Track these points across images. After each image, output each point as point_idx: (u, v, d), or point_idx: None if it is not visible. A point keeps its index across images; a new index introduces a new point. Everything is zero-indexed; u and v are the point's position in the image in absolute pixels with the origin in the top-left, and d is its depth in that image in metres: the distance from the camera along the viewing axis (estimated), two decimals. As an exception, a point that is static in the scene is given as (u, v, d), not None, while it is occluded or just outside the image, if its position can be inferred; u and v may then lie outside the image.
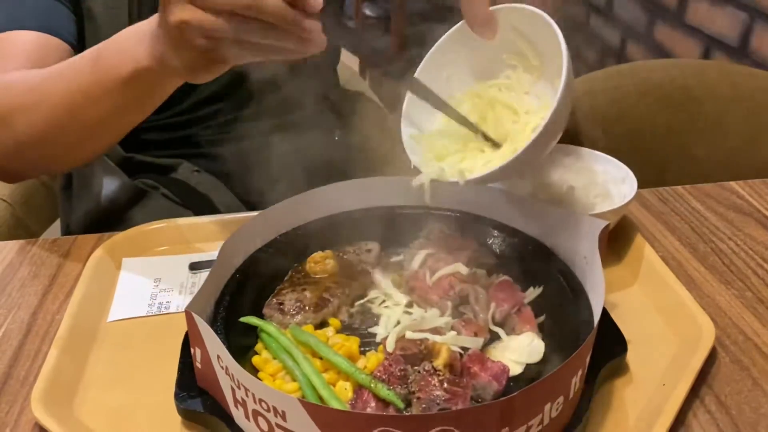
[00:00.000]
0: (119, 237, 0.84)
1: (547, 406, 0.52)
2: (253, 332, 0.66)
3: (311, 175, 0.86)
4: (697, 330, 0.67)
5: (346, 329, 0.69)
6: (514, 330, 0.67)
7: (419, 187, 0.71)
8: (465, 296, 0.69)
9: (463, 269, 0.72)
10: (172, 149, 1.03)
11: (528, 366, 0.63)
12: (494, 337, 0.67)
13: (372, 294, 0.72)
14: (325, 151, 1.08)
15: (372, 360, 0.63)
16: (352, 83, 1.30)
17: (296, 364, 0.60)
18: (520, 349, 0.64)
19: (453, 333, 0.66)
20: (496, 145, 0.71)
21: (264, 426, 0.53)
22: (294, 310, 0.68)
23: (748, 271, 0.79)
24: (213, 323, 0.63)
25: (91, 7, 0.91)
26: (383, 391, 0.57)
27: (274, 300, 0.69)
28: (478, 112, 0.74)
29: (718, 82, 1.29)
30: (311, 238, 0.76)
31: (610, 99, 1.29)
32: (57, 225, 1.18)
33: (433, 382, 0.57)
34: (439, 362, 0.60)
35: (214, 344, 0.54)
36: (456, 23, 0.74)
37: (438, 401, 0.56)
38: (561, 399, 0.53)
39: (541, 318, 0.68)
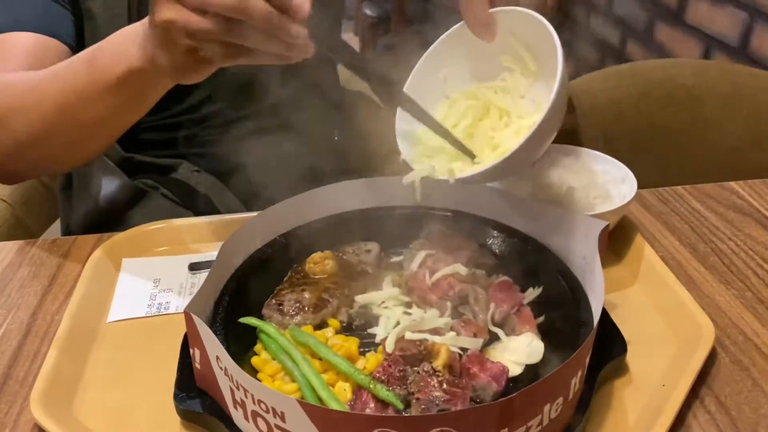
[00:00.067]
0: (119, 237, 0.84)
1: (547, 407, 0.52)
2: (253, 333, 0.65)
3: (311, 175, 0.86)
4: (697, 330, 0.67)
5: (345, 330, 0.69)
6: (513, 330, 0.67)
7: (410, 185, 0.72)
8: (464, 297, 0.69)
9: (463, 270, 0.72)
10: (172, 149, 1.03)
11: (527, 367, 0.63)
12: (494, 338, 0.66)
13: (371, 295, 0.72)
14: (325, 151, 1.08)
15: (371, 361, 0.63)
16: (352, 83, 1.30)
17: (295, 364, 0.60)
18: (520, 350, 0.64)
19: (452, 334, 0.66)
20: (472, 157, 0.72)
21: (263, 427, 0.53)
22: (293, 310, 0.68)
23: (748, 272, 0.79)
24: (212, 324, 0.63)
25: (90, 8, 0.91)
26: (382, 391, 0.57)
27: (274, 300, 0.69)
28: (473, 113, 0.75)
29: (718, 82, 1.29)
30: (311, 238, 0.76)
31: (610, 99, 1.29)
32: (57, 225, 1.18)
33: (432, 382, 0.57)
34: (439, 363, 0.59)
35: (213, 345, 0.54)
36: (454, 24, 0.74)
37: (437, 402, 0.56)
38: (560, 400, 0.53)
39: (541, 318, 0.68)
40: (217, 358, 0.54)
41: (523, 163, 0.73)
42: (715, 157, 1.29)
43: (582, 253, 0.67)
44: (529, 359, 0.63)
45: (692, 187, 0.96)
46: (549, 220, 0.72)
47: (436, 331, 0.65)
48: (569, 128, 1.27)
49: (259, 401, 0.51)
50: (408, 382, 0.58)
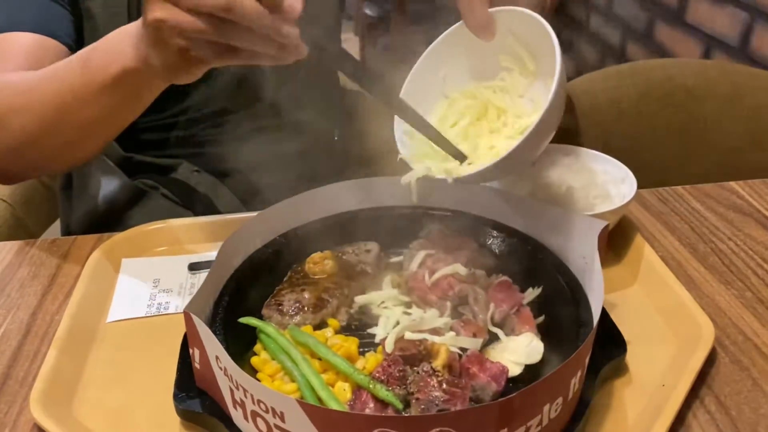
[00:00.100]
0: (118, 237, 0.84)
1: (546, 407, 0.52)
2: (252, 333, 0.65)
3: (311, 175, 0.86)
4: (697, 330, 0.67)
5: (345, 330, 0.69)
6: (513, 331, 0.67)
7: (407, 185, 0.72)
8: (464, 297, 0.69)
9: (462, 270, 0.72)
10: (172, 149, 1.03)
11: (527, 367, 0.63)
12: (493, 338, 0.66)
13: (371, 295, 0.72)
14: (325, 151, 1.08)
15: (371, 361, 0.63)
16: (352, 83, 1.30)
17: (295, 364, 0.60)
18: (519, 350, 0.64)
19: (452, 334, 0.66)
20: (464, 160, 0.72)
21: (263, 427, 0.53)
22: (293, 310, 0.68)
23: (747, 272, 0.79)
24: (212, 324, 0.63)
25: (89, 8, 0.91)
26: (382, 391, 0.56)
27: (273, 300, 0.69)
28: (472, 113, 0.75)
29: (718, 81, 1.29)
30: (310, 238, 0.76)
31: (610, 99, 1.29)
32: (57, 225, 1.18)
33: (431, 382, 0.57)
34: (438, 363, 0.59)
35: (212, 345, 0.54)
36: (453, 24, 0.74)
37: (437, 402, 0.56)
38: (560, 400, 0.53)
39: (540, 318, 0.68)
40: (217, 358, 0.54)
41: (522, 162, 0.73)
42: (715, 157, 1.29)
43: (582, 253, 0.67)
44: (529, 359, 0.63)
45: (692, 187, 0.96)
46: (549, 220, 0.72)
47: (435, 331, 0.65)
48: (569, 128, 1.27)
49: (259, 401, 0.51)
50: (407, 382, 0.58)
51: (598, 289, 0.59)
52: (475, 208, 0.78)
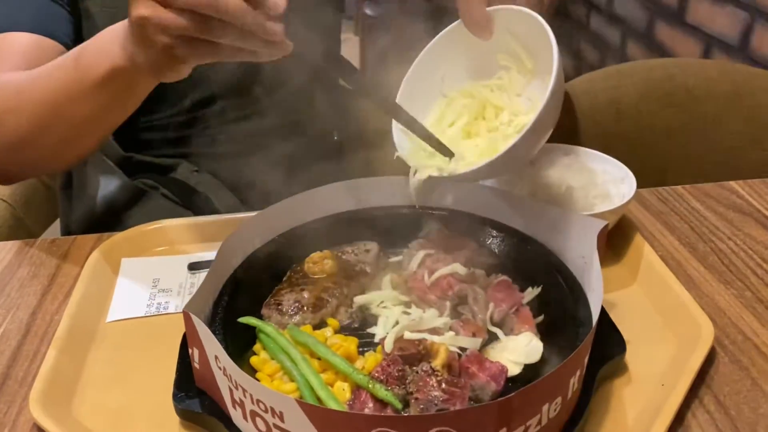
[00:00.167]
0: (118, 237, 0.84)
1: (545, 407, 0.52)
2: (252, 333, 0.65)
3: (310, 174, 0.86)
4: (696, 330, 0.67)
5: (344, 329, 0.69)
6: (512, 330, 0.67)
7: (409, 185, 0.72)
8: (463, 296, 0.69)
9: (461, 269, 0.72)
10: (172, 149, 1.03)
11: (526, 366, 0.63)
12: (492, 338, 0.66)
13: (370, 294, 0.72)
14: (325, 151, 1.08)
15: (370, 360, 0.62)
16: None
17: (294, 364, 0.60)
18: (519, 350, 0.64)
19: (451, 333, 0.66)
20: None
21: (262, 426, 0.53)
22: (292, 310, 0.68)
23: (747, 271, 0.79)
24: (211, 324, 0.63)
25: (88, 8, 0.91)
26: (381, 391, 0.56)
27: (273, 300, 0.69)
28: (470, 111, 0.75)
29: (718, 81, 1.29)
30: (310, 238, 0.76)
31: (609, 99, 1.29)
32: (57, 225, 1.18)
33: (431, 382, 0.57)
34: (438, 363, 0.59)
35: (211, 345, 0.54)
36: (451, 23, 0.74)
37: (436, 402, 0.56)
38: (559, 399, 0.53)
39: (540, 318, 0.68)
40: (216, 357, 0.54)
41: (520, 160, 0.73)
42: (714, 157, 1.29)
43: (581, 253, 0.67)
44: (528, 359, 0.63)
45: (692, 187, 0.96)
46: (548, 220, 0.72)
47: (435, 331, 0.65)
48: (569, 128, 1.27)
49: (258, 401, 0.51)
50: (407, 381, 0.58)
51: (598, 289, 0.59)
52: (475, 207, 0.78)
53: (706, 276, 0.78)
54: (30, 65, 0.82)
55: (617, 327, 0.66)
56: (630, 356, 0.64)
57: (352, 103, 1.20)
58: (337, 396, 0.57)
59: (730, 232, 0.86)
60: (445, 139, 0.72)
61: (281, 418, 0.51)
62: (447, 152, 0.71)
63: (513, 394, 0.49)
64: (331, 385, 0.59)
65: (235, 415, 0.56)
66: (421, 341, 0.63)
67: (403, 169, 0.73)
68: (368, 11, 3.19)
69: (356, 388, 0.58)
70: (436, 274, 0.71)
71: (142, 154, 1.02)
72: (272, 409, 0.51)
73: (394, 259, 0.77)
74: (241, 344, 0.64)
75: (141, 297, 0.77)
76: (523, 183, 0.84)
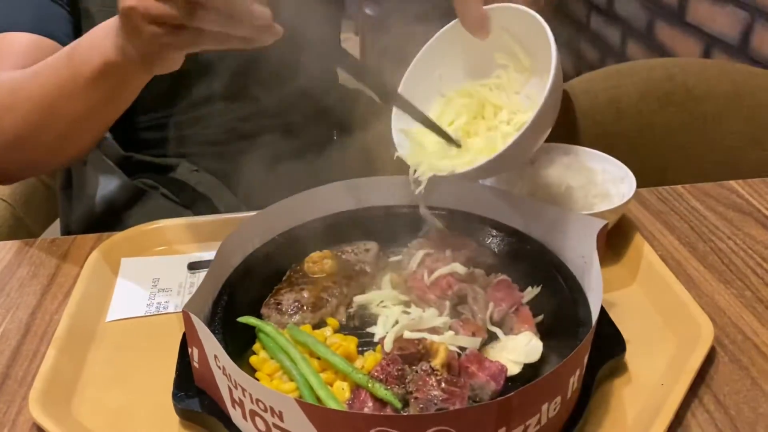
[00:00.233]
0: (118, 237, 0.84)
1: (545, 406, 0.52)
2: (251, 332, 0.65)
3: (310, 174, 0.86)
4: (696, 329, 0.67)
5: (344, 329, 0.69)
6: (512, 330, 0.67)
7: (410, 185, 0.72)
8: (463, 296, 0.69)
9: (461, 269, 0.72)
10: (172, 148, 1.03)
11: (526, 366, 0.63)
12: (492, 337, 0.66)
13: (370, 294, 0.72)
14: (324, 150, 1.08)
15: (370, 360, 0.62)
16: (352, 81, 1.30)
17: (294, 364, 0.60)
18: (518, 349, 0.64)
19: (451, 333, 0.66)
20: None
21: (261, 426, 0.53)
22: (292, 309, 0.68)
23: (747, 271, 0.79)
24: (210, 323, 0.63)
25: (88, 8, 0.91)
26: (381, 390, 0.56)
27: (272, 300, 0.69)
28: (469, 111, 0.75)
29: (718, 81, 1.29)
30: (309, 237, 0.76)
31: (609, 98, 1.29)
32: (57, 225, 1.18)
33: (430, 381, 0.57)
34: (437, 362, 0.59)
35: (211, 344, 0.54)
36: (449, 22, 0.74)
37: (435, 401, 0.56)
38: (558, 399, 0.53)
39: (540, 318, 0.68)
40: (216, 357, 0.54)
41: (519, 159, 0.73)
42: (714, 156, 1.29)
43: (581, 252, 0.67)
44: (528, 358, 0.63)
45: (692, 186, 0.96)
46: (548, 219, 0.72)
47: (434, 330, 0.65)
48: (569, 127, 1.27)
49: (258, 400, 0.51)
50: (406, 381, 0.58)
51: (597, 288, 0.59)
52: (474, 207, 0.78)
53: (706, 276, 0.78)
54: (29, 65, 0.82)
55: (617, 327, 0.66)
56: (630, 356, 0.64)
57: (352, 103, 1.20)
58: (337, 395, 0.57)
59: (730, 231, 0.86)
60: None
61: (281, 418, 0.51)
62: (448, 138, 0.71)
63: (512, 393, 0.49)
64: (331, 385, 0.59)
65: (235, 414, 0.56)
66: (420, 341, 0.63)
67: (403, 169, 0.73)
68: (368, 11, 3.19)
69: (356, 388, 0.58)
70: (436, 274, 0.71)
71: (141, 153, 1.02)
72: (272, 409, 0.51)
73: (393, 258, 0.77)
74: (240, 344, 0.64)
75: (141, 297, 0.77)
76: (522, 182, 0.84)
